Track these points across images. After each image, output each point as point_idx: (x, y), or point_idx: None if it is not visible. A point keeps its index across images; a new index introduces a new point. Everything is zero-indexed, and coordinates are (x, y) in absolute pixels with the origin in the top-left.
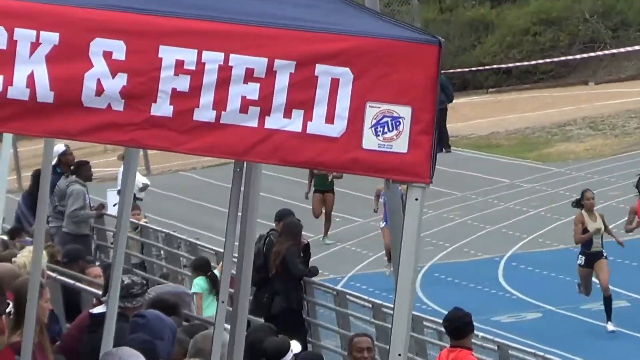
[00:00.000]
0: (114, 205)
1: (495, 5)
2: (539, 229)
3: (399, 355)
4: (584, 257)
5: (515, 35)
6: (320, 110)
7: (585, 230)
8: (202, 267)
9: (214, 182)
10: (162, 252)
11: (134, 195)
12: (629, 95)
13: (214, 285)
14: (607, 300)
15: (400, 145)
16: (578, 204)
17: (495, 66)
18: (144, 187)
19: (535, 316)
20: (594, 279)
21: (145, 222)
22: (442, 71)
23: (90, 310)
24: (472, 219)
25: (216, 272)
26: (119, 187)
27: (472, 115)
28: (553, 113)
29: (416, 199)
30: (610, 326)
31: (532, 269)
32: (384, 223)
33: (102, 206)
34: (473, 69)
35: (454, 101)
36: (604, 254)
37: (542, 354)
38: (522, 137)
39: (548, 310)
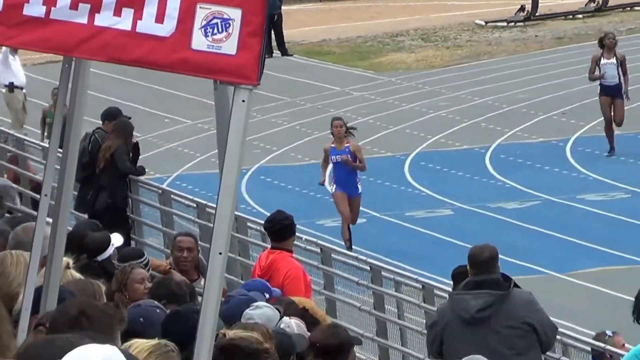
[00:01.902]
0: None
1: None
2: (367, 136)
3: (220, 253)
4: None
5: None
6: (150, 9)
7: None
8: None
9: (44, 79)
10: None
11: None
12: (461, 8)
13: None
14: None
15: (229, 47)
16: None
17: None
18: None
19: (359, 220)
20: None
21: None
22: None
23: None
24: (301, 125)
25: None
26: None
27: (305, 22)
28: (386, 23)
29: (243, 101)
30: None
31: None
32: (335, 187)
33: None
34: None
35: (288, 7)
36: None
37: (364, 257)
38: (354, 45)
39: (372, 216)
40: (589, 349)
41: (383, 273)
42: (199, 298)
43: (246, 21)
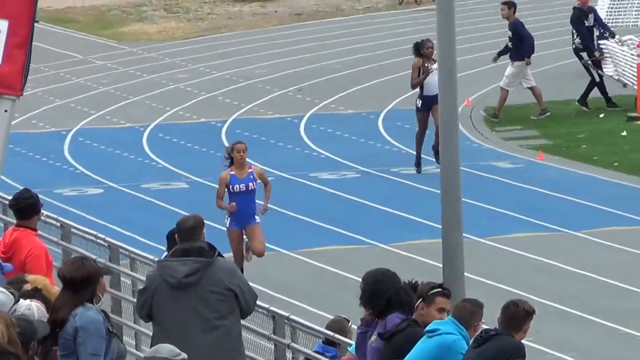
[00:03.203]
0: None
1: None
2: (107, 106)
3: None
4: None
5: None
6: None
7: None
8: None
9: None
10: None
11: None
12: None
13: None
14: None
15: None
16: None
17: None
18: None
19: (97, 192)
20: None
21: None
22: None
23: None
24: (43, 92)
25: None
26: None
27: None
28: None
29: (5, 110)
30: None
31: (97, 145)
32: (230, 221)
33: None
34: None
35: None
36: None
37: (102, 236)
38: (98, 14)
39: (109, 187)
40: (320, 335)
41: (121, 251)
42: None
43: (12, 32)
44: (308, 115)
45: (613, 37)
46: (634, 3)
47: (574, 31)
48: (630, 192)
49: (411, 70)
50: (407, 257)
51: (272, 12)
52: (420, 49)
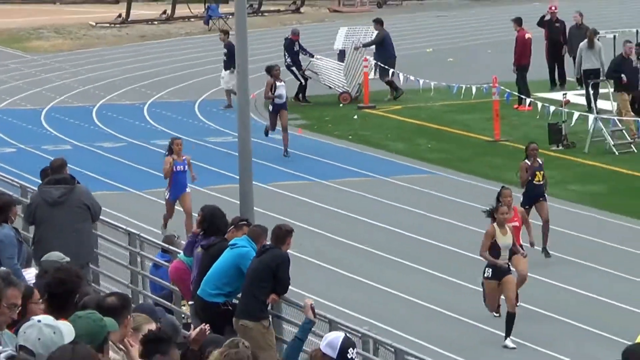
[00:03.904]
0: None
1: None
2: (17, 94)
3: None
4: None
5: None
6: None
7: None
8: None
9: None
10: None
11: None
12: (80, 12)
13: None
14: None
15: None
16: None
17: None
18: None
19: (11, 150)
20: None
21: None
22: None
23: None
24: None
25: None
26: None
27: None
28: (31, 20)
29: None
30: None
31: (11, 120)
32: (169, 195)
33: None
34: None
35: None
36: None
37: (16, 180)
38: (11, 34)
39: (20, 148)
40: (159, 246)
41: (27, 189)
42: None
43: None
44: (149, 102)
45: (312, 57)
46: (361, 31)
47: (286, 53)
48: (358, 155)
49: (265, 86)
50: (216, 196)
51: (125, 34)
52: (272, 71)
